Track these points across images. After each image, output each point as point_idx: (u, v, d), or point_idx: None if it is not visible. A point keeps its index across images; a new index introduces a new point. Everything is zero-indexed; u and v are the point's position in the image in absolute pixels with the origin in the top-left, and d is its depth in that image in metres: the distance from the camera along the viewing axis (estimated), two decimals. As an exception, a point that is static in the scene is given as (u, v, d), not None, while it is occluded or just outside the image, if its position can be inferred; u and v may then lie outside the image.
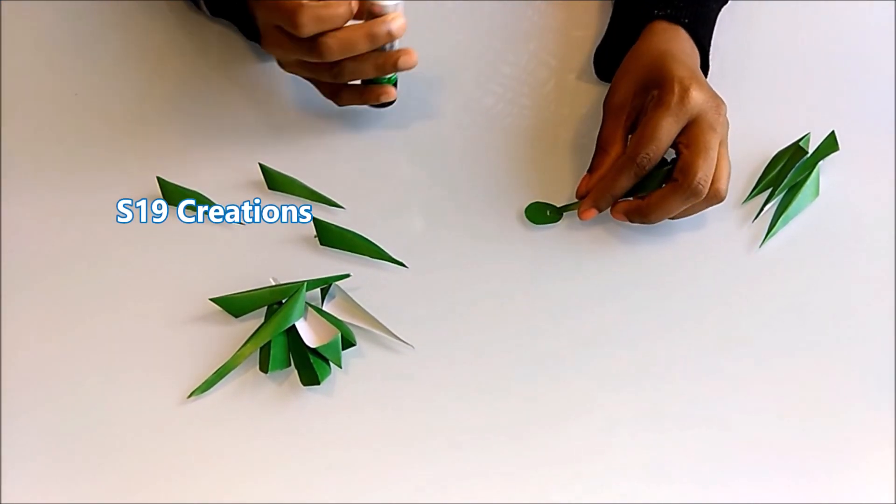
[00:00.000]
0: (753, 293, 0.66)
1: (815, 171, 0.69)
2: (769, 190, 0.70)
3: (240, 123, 0.73)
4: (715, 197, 0.62)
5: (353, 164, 0.71)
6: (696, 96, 0.61)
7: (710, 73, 0.70)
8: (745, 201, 0.70)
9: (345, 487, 0.60)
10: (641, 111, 0.65)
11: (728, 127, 0.64)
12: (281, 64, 0.65)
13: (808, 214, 0.69)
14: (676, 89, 0.61)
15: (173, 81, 0.75)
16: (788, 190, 0.69)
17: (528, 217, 0.68)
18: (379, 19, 0.59)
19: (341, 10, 0.58)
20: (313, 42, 0.59)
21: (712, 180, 0.61)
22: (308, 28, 0.58)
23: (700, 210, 0.64)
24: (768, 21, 0.78)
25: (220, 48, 0.76)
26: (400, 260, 0.66)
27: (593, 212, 0.65)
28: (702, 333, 0.64)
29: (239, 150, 0.71)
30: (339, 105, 0.67)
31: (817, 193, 0.69)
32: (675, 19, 0.68)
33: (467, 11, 0.78)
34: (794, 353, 0.64)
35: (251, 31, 0.73)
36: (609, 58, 0.71)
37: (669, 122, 0.61)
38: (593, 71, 0.73)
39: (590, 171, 0.66)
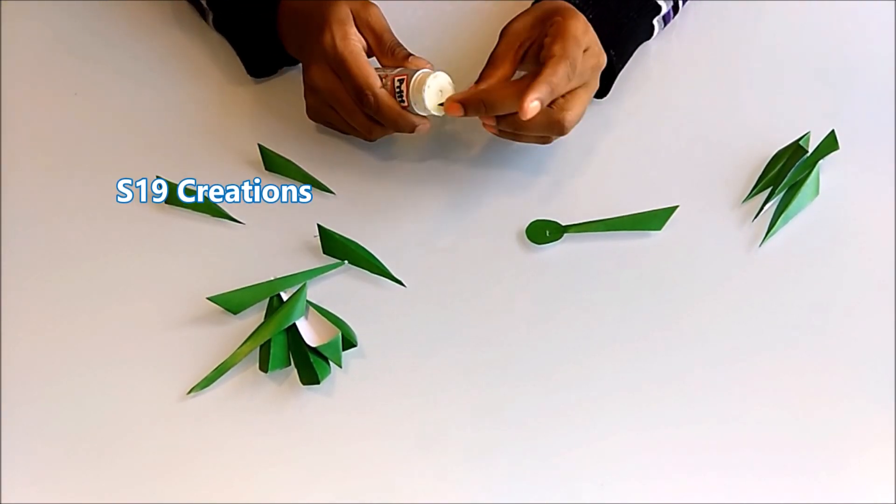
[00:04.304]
0: (753, 292, 0.66)
1: (814, 170, 0.69)
2: (769, 189, 0.70)
3: (239, 119, 0.73)
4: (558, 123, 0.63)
5: (349, 155, 0.71)
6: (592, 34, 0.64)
7: (710, 73, 0.70)
8: (744, 200, 0.70)
9: (344, 487, 0.59)
10: (536, 41, 0.65)
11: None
12: (309, 110, 0.69)
13: (808, 213, 0.69)
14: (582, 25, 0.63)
15: (173, 80, 0.75)
16: (788, 189, 0.69)
17: (528, 237, 0.67)
18: (413, 118, 0.64)
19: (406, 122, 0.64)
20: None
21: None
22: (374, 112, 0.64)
23: (538, 133, 0.64)
24: (768, 20, 0.78)
25: (219, 44, 0.76)
26: (399, 278, 0.66)
27: (459, 108, 0.63)
28: (702, 333, 0.64)
29: (238, 147, 0.71)
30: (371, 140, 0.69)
31: (817, 192, 0.69)
32: (580, 9, 0.66)
33: (465, 14, 0.78)
34: (794, 352, 0.64)
35: (256, 62, 0.73)
36: None
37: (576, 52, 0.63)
38: None
39: (476, 82, 0.65)
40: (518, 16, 0.66)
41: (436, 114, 0.64)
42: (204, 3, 0.73)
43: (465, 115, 0.63)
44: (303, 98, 0.69)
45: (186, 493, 0.59)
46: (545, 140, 0.66)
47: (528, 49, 0.65)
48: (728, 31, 0.77)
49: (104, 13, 0.78)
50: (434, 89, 0.63)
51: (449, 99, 0.64)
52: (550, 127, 0.63)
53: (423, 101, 0.63)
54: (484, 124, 0.65)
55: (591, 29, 0.65)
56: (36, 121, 0.73)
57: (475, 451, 0.60)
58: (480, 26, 0.77)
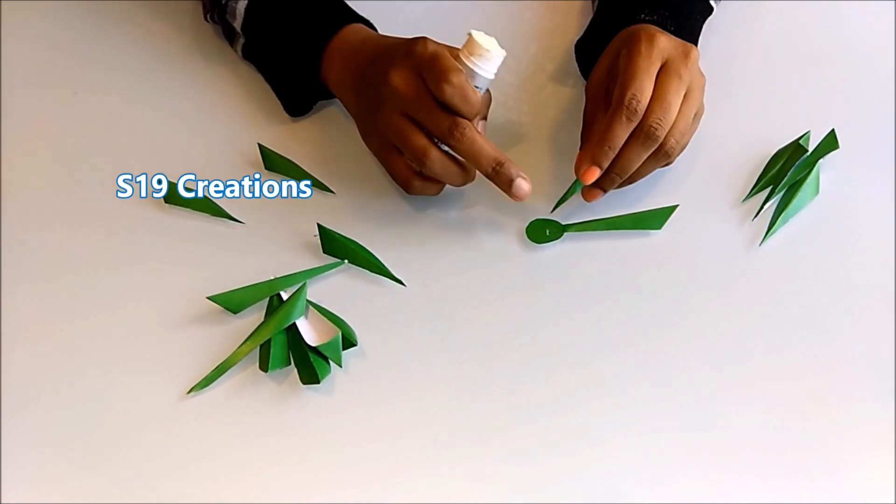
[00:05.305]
0: (753, 291, 0.66)
1: (815, 169, 0.69)
2: (769, 188, 0.70)
3: (240, 117, 0.73)
4: (660, 152, 0.62)
5: (349, 155, 0.71)
6: (664, 39, 0.62)
7: (709, 72, 0.70)
8: (744, 199, 0.70)
9: (344, 487, 0.59)
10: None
11: (703, 79, 0.64)
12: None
13: (808, 213, 0.69)
14: (643, 35, 0.62)
15: (173, 79, 0.75)
16: (788, 188, 0.69)
17: (528, 236, 0.67)
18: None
19: (457, 174, 0.63)
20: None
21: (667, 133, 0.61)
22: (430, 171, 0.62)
23: (649, 169, 0.64)
24: (769, 20, 0.78)
25: (217, 44, 0.76)
26: (399, 278, 0.66)
27: (595, 171, 0.63)
28: (702, 332, 0.64)
29: (238, 147, 0.71)
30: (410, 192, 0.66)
31: (817, 192, 0.69)
32: (661, 25, 0.67)
33: (465, 14, 0.78)
34: (794, 351, 0.64)
35: (293, 99, 0.72)
36: (589, 54, 0.71)
37: (645, 63, 0.61)
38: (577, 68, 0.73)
39: (581, 148, 0.65)
40: (595, 68, 0.67)
41: (499, 56, 0.62)
42: (237, 27, 0.71)
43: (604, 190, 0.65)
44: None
45: (186, 494, 0.59)
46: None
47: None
48: (727, 31, 0.77)
49: (104, 13, 0.78)
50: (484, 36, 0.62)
51: (581, 166, 0.63)
52: (656, 161, 0.64)
53: (482, 45, 0.61)
54: (589, 195, 0.66)
55: (669, 35, 0.63)
56: (36, 121, 0.73)
57: (475, 450, 0.60)
58: (480, 26, 0.77)
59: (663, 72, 0.62)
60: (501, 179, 0.62)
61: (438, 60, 0.60)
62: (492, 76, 0.63)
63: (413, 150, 0.61)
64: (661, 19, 0.67)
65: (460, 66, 0.61)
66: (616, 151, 0.62)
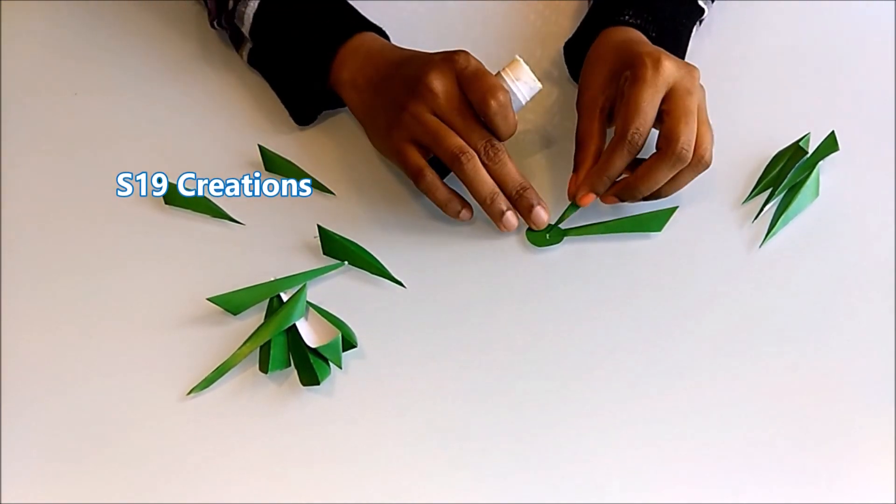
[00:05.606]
0: (753, 293, 0.66)
1: (815, 171, 0.69)
2: (769, 190, 0.70)
3: (240, 118, 0.73)
4: (700, 163, 0.63)
5: (350, 156, 0.71)
6: (669, 65, 0.62)
7: (709, 74, 0.70)
8: (745, 201, 0.70)
9: (344, 488, 0.60)
10: (616, 98, 0.65)
11: (704, 92, 0.64)
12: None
13: (808, 214, 0.69)
14: (648, 62, 0.62)
15: (173, 80, 0.75)
16: (788, 190, 0.69)
17: (529, 240, 0.67)
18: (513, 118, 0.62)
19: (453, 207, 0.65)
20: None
21: (695, 146, 0.62)
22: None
23: (688, 179, 0.64)
24: (769, 20, 0.78)
25: (217, 43, 0.76)
26: (399, 279, 0.66)
27: (592, 196, 0.65)
28: (702, 334, 0.64)
29: (238, 148, 0.71)
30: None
31: (817, 193, 0.69)
32: (643, 30, 0.68)
33: (466, 14, 0.78)
34: (794, 353, 0.64)
35: (298, 103, 0.71)
36: (579, 56, 0.71)
37: (649, 93, 0.61)
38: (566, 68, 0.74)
39: (574, 170, 0.66)
40: (585, 81, 0.67)
41: (537, 86, 0.64)
42: (245, 31, 0.70)
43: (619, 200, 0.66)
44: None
45: (186, 494, 0.59)
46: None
47: (609, 110, 0.65)
48: (727, 32, 0.77)
49: (104, 13, 0.78)
50: (524, 64, 0.64)
51: (579, 191, 0.65)
52: (695, 171, 0.64)
53: (527, 71, 0.63)
54: (605, 199, 0.66)
55: (670, 57, 0.63)
56: (36, 121, 0.73)
57: (476, 451, 0.60)
58: (481, 26, 0.77)
59: (675, 93, 0.62)
60: (523, 204, 0.64)
61: (485, 76, 0.61)
62: (523, 103, 0.64)
63: (449, 147, 0.61)
64: (643, 24, 0.68)
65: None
66: (613, 180, 0.65)
